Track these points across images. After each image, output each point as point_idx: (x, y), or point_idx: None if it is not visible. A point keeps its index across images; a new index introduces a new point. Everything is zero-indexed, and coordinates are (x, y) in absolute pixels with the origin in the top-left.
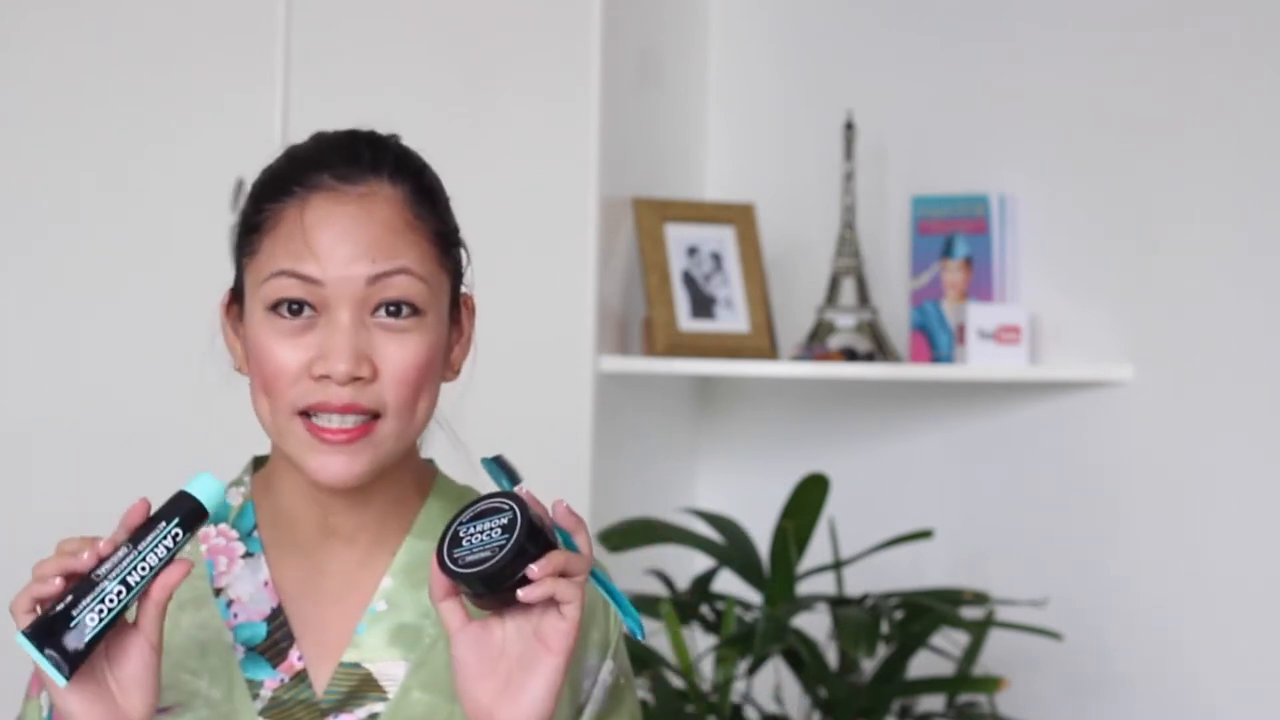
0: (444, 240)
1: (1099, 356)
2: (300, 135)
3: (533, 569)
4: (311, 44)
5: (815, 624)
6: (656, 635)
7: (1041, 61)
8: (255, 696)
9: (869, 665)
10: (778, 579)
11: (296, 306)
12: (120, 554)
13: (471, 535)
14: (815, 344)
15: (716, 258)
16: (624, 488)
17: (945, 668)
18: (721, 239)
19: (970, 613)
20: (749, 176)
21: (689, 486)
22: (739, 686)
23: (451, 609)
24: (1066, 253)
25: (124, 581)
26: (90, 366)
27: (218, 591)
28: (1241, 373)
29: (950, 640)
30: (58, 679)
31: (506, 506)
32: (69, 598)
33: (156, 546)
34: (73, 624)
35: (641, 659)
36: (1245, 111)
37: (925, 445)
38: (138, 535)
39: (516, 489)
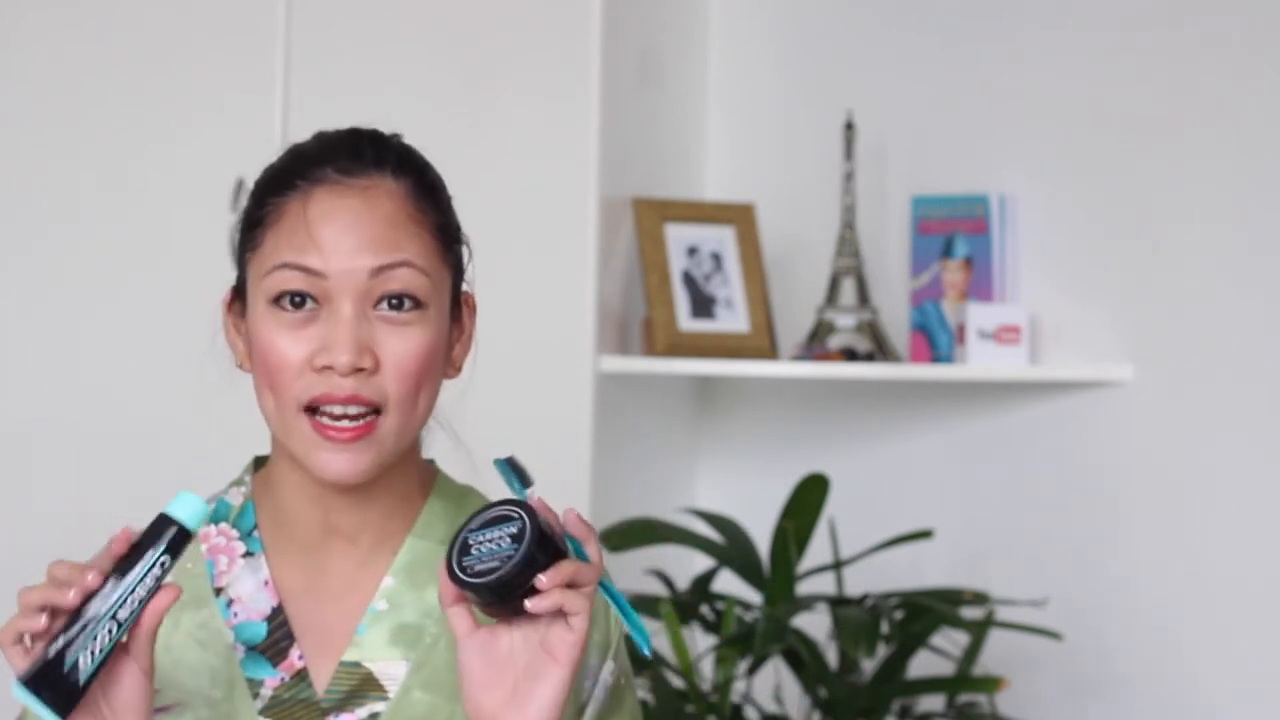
0: (446, 235)
1: (1099, 356)
2: (300, 135)
3: (541, 579)
4: (311, 44)
5: (815, 624)
6: (657, 635)
7: (1041, 61)
8: (256, 696)
9: (869, 665)
10: (778, 579)
11: (299, 299)
12: (108, 588)
13: (481, 543)
14: (815, 344)
15: (716, 258)
16: (624, 488)
17: (945, 668)
18: (721, 239)
19: (970, 613)
20: (749, 176)
21: (689, 486)
22: (739, 686)
23: (459, 615)
24: (1066, 253)
25: (114, 618)
26: (90, 366)
27: (218, 591)
28: (1241, 373)
29: (950, 640)
30: None
31: (516, 515)
32: (60, 641)
33: (145, 577)
34: (66, 668)
35: (641, 659)
36: (1245, 111)
37: (925, 445)
38: (124, 565)
39: (528, 494)
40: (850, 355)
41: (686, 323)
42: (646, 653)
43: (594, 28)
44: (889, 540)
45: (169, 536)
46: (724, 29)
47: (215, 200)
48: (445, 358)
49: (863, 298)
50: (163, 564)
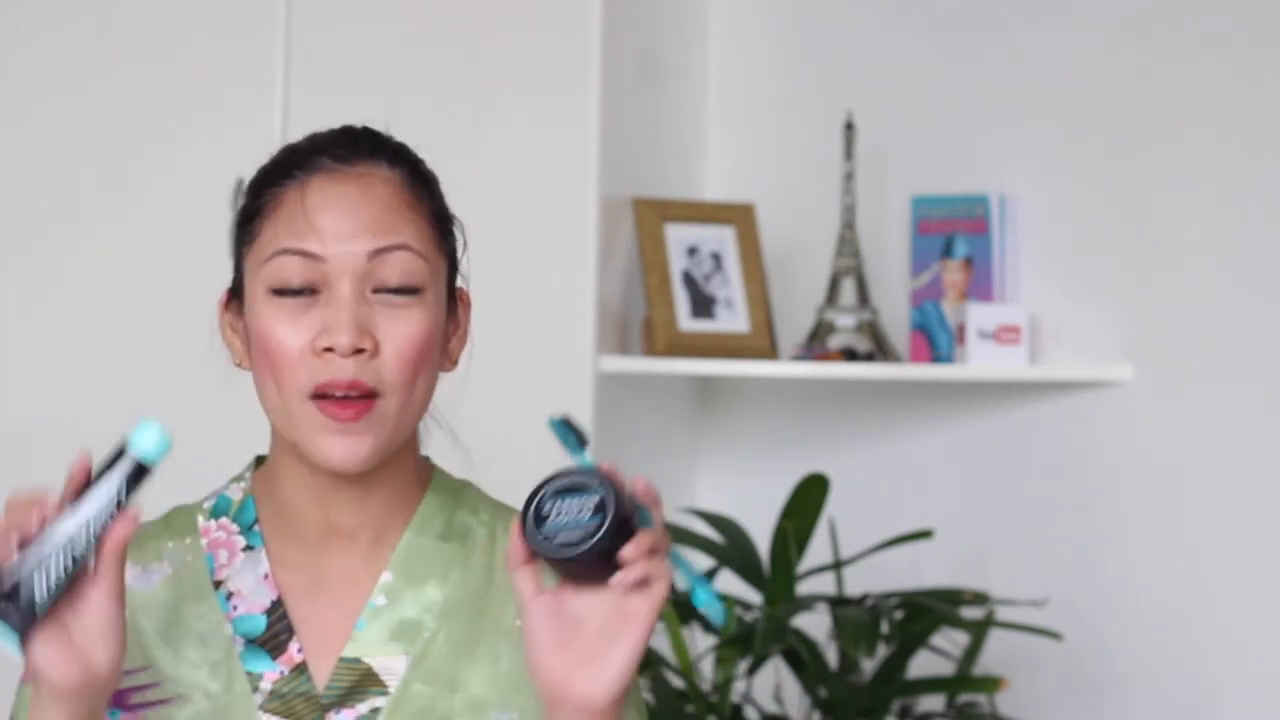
0: (441, 224)
1: (1099, 356)
2: (300, 135)
3: (628, 551)
4: (311, 44)
5: (815, 624)
6: (657, 635)
7: (1041, 61)
8: (255, 689)
9: (869, 665)
10: (778, 579)
11: (297, 288)
12: (64, 516)
13: (560, 512)
14: (815, 344)
15: (716, 258)
16: None
17: (945, 668)
18: (721, 239)
19: (970, 613)
20: (749, 176)
21: (689, 486)
22: (739, 686)
23: (526, 577)
24: (1066, 253)
25: (70, 546)
26: (90, 366)
27: (217, 584)
28: (1241, 373)
29: (950, 640)
30: (10, 649)
31: (596, 486)
32: (17, 569)
33: (100, 510)
34: (21, 593)
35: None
36: (1245, 111)
37: (925, 445)
38: (81, 496)
39: (586, 455)
40: (850, 355)
41: (686, 323)
42: (720, 623)
43: (594, 28)
44: (889, 540)
45: (126, 469)
46: (724, 29)
47: (215, 200)
48: (442, 348)
49: (863, 298)
50: (119, 495)
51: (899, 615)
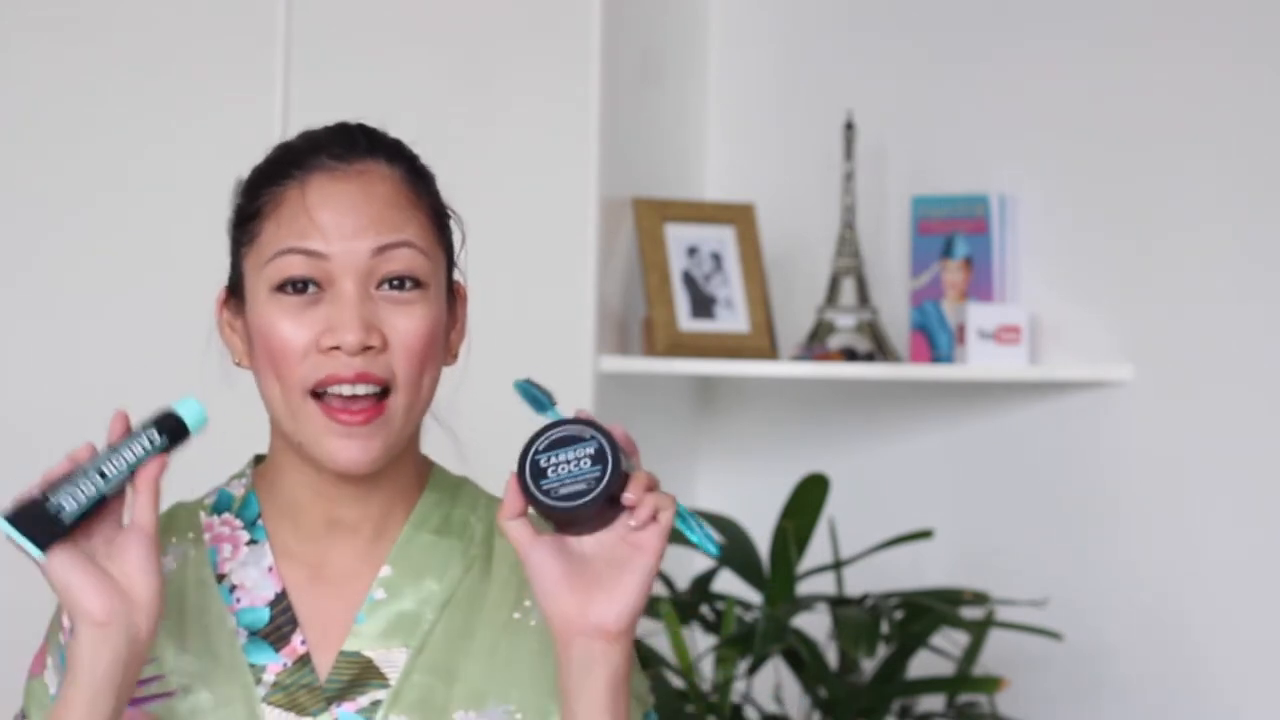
0: (440, 219)
1: (1099, 356)
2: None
3: (632, 493)
4: (311, 45)
5: (815, 624)
6: (657, 635)
7: (1041, 61)
8: (258, 681)
9: (869, 665)
10: (778, 579)
11: (301, 285)
12: (100, 452)
13: (557, 465)
14: (815, 344)
15: (716, 258)
16: None
17: (945, 668)
18: (721, 239)
19: (970, 613)
20: (749, 176)
21: (689, 486)
22: (739, 686)
23: (520, 527)
24: (1066, 253)
25: (100, 471)
26: (91, 366)
27: (220, 578)
28: (1241, 373)
29: (950, 640)
30: (35, 553)
31: (589, 435)
32: (45, 485)
33: (132, 445)
34: (49, 506)
35: (642, 659)
36: (1245, 112)
37: (925, 445)
38: (115, 441)
39: (557, 411)
40: (850, 355)
41: (686, 323)
42: (715, 554)
43: (594, 28)
44: (889, 540)
45: (163, 421)
46: (724, 29)
47: (215, 200)
48: (444, 342)
49: (863, 298)
50: (151, 439)
51: (899, 615)
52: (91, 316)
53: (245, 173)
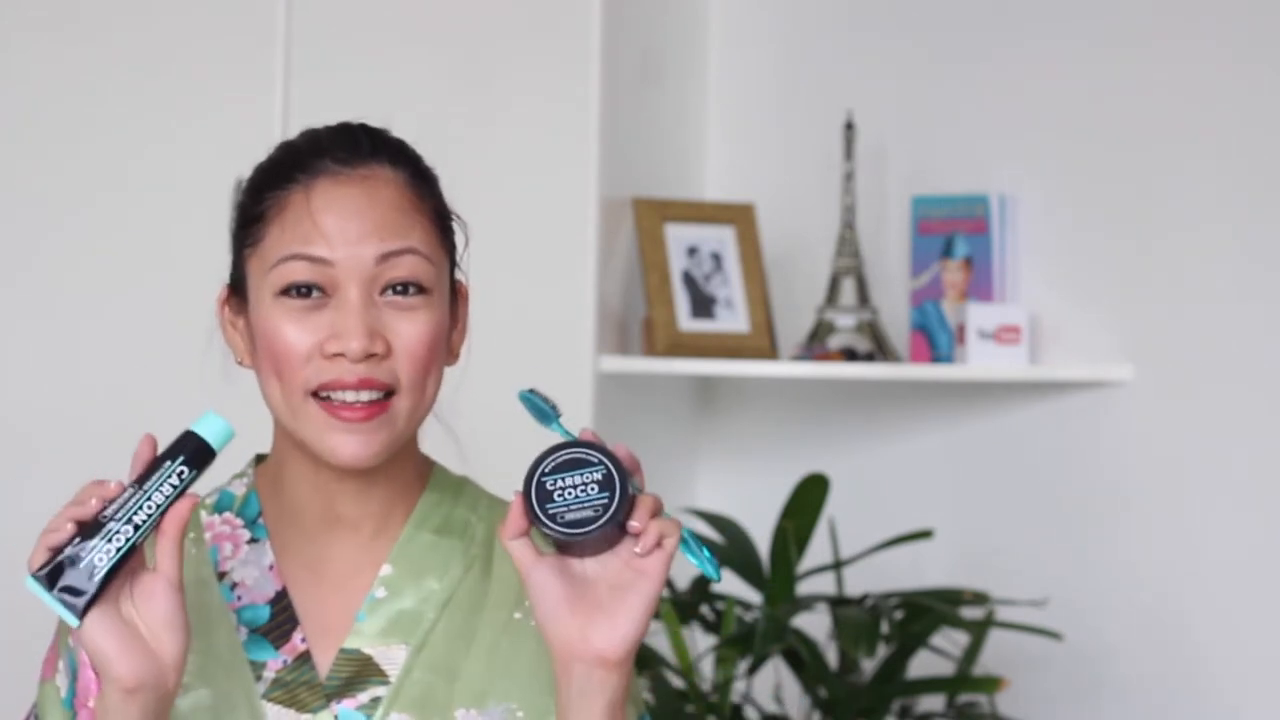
0: (443, 222)
1: (1099, 356)
2: None
3: (638, 519)
4: (311, 45)
5: (815, 624)
6: (657, 635)
7: (1041, 61)
8: (259, 678)
9: (869, 665)
10: (778, 579)
11: (305, 290)
12: (126, 495)
13: (564, 489)
14: (815, 344)
15: (716, 258)
16: None
17: (945, 668)
18: (721, 239)
19: (970, 613)
20: (749, 176)
21: (689, 486)
22: (739, 686)
23: (522, 546)
24: (1066, 253)
25: (130, 521)
26: (91, 366)
27: (221, 576)
28: (1241, 373)
29: (950, 640)
30: (70, 619)
31: (596, 460)
32: (76, 540)
33: (162, 484)
34: (81, 565)
35: (642, 659)
36: (1245, 111)
37: (925, 445)
38: (143, 476)
39: (581, 434)
40: (850, 355)
41: (686, 323)
42: (716, 578)
43: (594, 28)
44: (889, 540)
45: (190, 448)
46: (724, 29)
47: (215, 200)
48: (446, 344)
49: (863, 298)
50: (180, 474)
51: (899, 615)
52: (91, 316)
53: (246, 172)
